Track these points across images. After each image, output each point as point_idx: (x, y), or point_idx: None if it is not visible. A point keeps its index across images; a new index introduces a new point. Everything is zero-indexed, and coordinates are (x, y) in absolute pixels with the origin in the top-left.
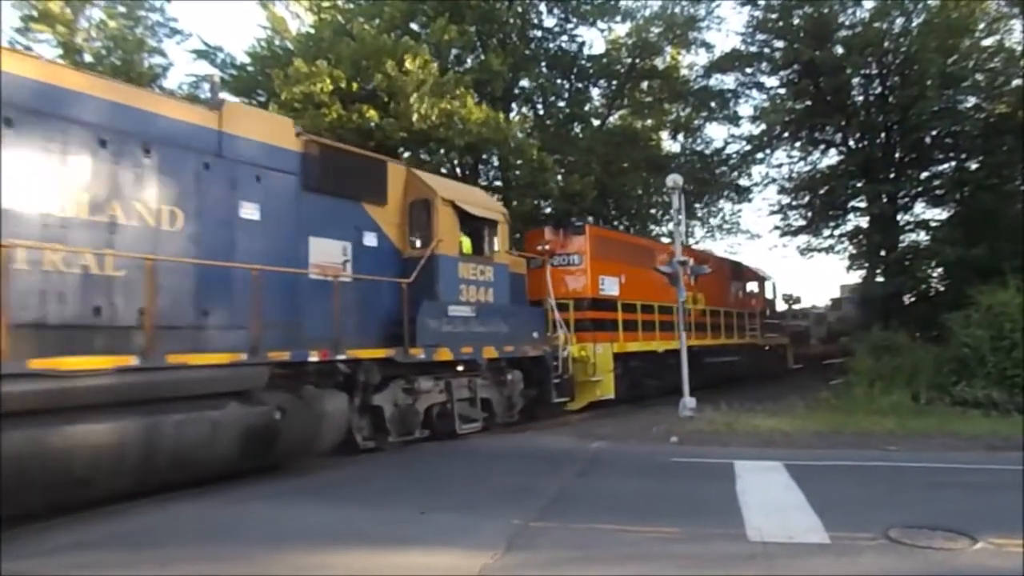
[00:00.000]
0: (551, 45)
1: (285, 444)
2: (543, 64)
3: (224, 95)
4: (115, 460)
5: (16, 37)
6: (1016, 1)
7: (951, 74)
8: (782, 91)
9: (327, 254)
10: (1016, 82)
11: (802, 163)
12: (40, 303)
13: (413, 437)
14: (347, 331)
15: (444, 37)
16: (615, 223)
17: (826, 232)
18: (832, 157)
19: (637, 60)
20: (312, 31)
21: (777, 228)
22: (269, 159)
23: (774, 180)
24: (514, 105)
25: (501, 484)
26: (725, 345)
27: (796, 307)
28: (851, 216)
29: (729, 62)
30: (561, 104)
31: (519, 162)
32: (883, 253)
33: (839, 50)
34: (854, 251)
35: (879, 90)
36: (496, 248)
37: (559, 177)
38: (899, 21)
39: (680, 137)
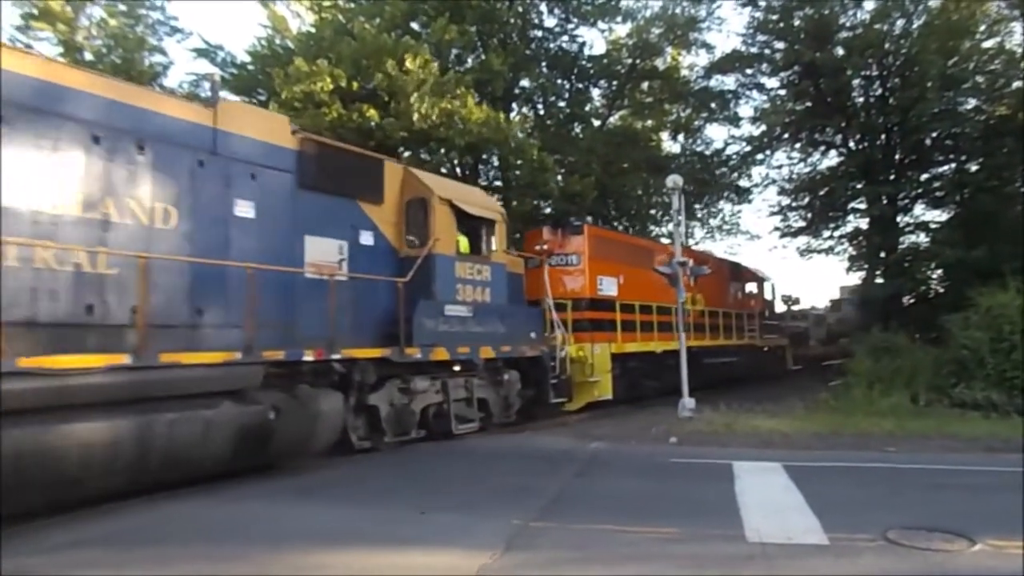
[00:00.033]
0: (552, 45)
1: (279, 444)
2: (543, 64)
3: (224, 94)
4: (107, 459)
5: (17, 35)
6: (1017, 3)
7: (951, 76)
8: (782, 92)
9: (323, 253)
10: (1016, 84)
11: (802, 164)
12: (31, 301)
13: (409, 437)
14: (343, 330)
15: (445, 37)
16: (615, 223)
17: (826, 233)
18: (832, 158)
19: (638, 61)
20: (313, 30)
21: (777, 229)
22: (264, 157)
23: (774, 181)
24: (514, 105)
25: (499, 484)
26: (724, 346)
27: (795, 308)
28: (851, 217)
29: (729, 63)
30: (561, 104)
31: (519, 162)
32: (883, 255)
33: (840, 51)
34: (854, 252)
35: (879, 92)
36: (494, 248)
37: (559, 177)
38: (900, 23)
39: (680, 138)
